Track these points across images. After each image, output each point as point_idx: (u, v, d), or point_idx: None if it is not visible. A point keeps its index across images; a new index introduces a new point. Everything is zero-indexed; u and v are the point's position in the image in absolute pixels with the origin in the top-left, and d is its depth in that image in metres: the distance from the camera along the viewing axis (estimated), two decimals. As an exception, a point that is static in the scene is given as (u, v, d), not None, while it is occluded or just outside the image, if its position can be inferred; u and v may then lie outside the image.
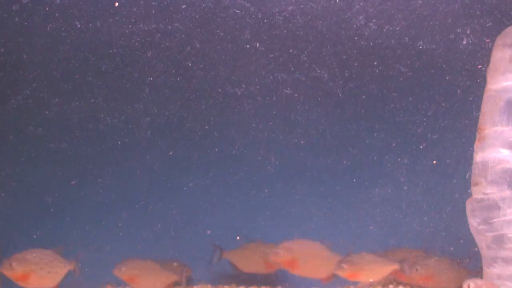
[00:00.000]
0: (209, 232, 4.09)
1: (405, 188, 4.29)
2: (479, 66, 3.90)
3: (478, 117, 2.28)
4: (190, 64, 4.09)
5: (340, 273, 3.62)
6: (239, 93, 4.13)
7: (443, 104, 4.17)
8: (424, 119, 4.20)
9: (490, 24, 3.79)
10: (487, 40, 3.78)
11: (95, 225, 4.30)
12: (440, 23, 3.87)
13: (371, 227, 4.31)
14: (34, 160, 4.24)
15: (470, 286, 3.25)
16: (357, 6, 3.76)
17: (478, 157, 2.27)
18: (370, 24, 3.84)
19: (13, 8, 3.72)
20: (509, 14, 3.74)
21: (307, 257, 3.62)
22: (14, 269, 3.64)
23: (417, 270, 3.62)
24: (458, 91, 4.10)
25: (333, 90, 4.16)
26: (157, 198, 4.35)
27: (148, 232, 4.34)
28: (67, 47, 3.95)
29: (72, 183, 4.25)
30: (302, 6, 3.75)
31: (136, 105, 4.19)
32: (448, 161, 4.22)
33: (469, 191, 2.35)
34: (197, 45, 3.98)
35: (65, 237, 4.32)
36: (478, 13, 3.78)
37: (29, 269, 3.66)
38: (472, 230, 2.29)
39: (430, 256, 3.79)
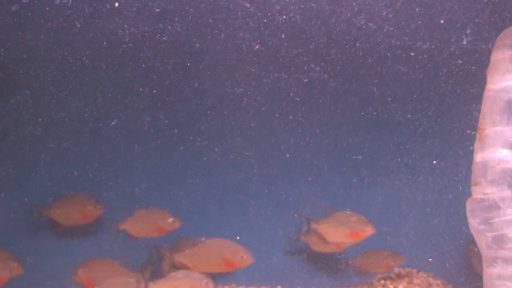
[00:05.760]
0: (203, 238, 4.09)
1: (405, 188, 4.29)
2: (479, 67, 3.90)
3: (478, 117, 2.28)
4: (190, 64, 4.09)
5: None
6: (239, 93, 4.13)
7: (443, 104, 4.17)
8: (424, 119, 4.20)
9: (490, 24, 3.79)
10: (487, 40, 3.78)
11: (95, 225, 4.30)
12: (440, 23, 3.87)
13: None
14: (34, 160, 4.24)
15: None
16: (357, 6, 3.77)
17: (478, 157, 2.26)
18: (370, 24, 3.84)
19: (13, 8, 3.73)
20: (509, 14, 3.74)
21: (104, 275, 3.72)
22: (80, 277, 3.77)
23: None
24: (458, 91, 4.10)
25: (333, 90, 4.16)
26: (156, 198, 4.35)
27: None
28: (67, 47, 3.95)
29: (74, 174, 4.25)
30: (302, 6, 3.76)
31: (136, 105, 4.20)
32: (448, 161, 4.22)
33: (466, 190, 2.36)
34: (197, 45, 3.98)
35: (65, 237, 4.32)
36: (478, 13, 3.78)
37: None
38: (472, 230, 2.29)
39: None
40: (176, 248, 3.85)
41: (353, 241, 3.86)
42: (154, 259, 3.95)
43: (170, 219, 3.92)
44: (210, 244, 3.83)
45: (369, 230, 3.81)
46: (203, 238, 3.89)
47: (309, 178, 4.36)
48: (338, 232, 3.84)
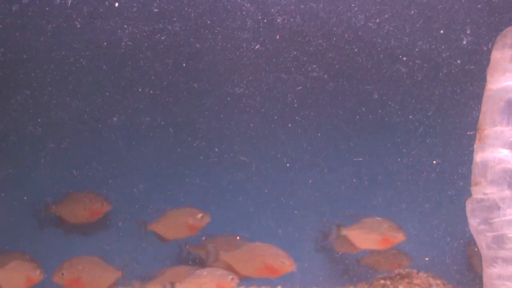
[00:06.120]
0: (204, 238, 4.09)
1: (405, 188, 4.29)
2: (479, 67, 3.90)
3: (478, 117, 2.28)
4: (189, 64, 4.09)
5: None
6: (239, 93, 4.13)
7: (443, 104, 4.17)
8: (424, 119, 4.20)
9: (490, 24, 3.79)
10: (487, 40, 3.78)
11: (95, 225, 4.30)
12: (440, 23, 3.87)
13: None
14: (34, 160, 4.24)
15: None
16: (356, 6, 3.76)
17: (478, 157, 2.26)
18: (370, 24, 3.84)
19: (13, 8, 3.72)
20: (509, 14, 3.74)
21: (89, 273, 3.71)
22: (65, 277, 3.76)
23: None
24: (458, 91, 4.10)
25: (333, 90, 4.16)
26: (156, 198, 4.35)
27: (148, 232, 4.34)
28: (67, 47, 3.95)
29: (74, 174, 4.26)
30: (302, 6, 3.75)
31: (136, 105, 4.20)
32: (448, 161, 4.21)
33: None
34: (197, 45, 3.98)
35: (65, 237, 4.32)
36: (478, 13, 3.78)
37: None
38: (472, 230, 2.29)
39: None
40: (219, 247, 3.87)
41: (383, 247, 3.82)
42: (183, 257, 3.95)
43: (199, 215, 3.91)
44: (254, 248, 3.82)
45: (400, 237, 3.75)
46: (242, 240, 3.94)
47: (309, 180, 4.36)
48: (370, 239, 3.79)
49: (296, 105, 4.20)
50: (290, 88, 4.13)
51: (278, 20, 3.80)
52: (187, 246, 4.01)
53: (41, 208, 4.13)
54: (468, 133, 3.75)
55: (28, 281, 3.67)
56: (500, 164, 2.18)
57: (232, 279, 3.49)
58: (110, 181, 4.29)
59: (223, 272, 3.53)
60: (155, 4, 3.77)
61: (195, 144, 4.30)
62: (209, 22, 3.85)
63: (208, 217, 3.91)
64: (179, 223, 3.96)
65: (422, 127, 4.20)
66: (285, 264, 3.73)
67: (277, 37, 3.86)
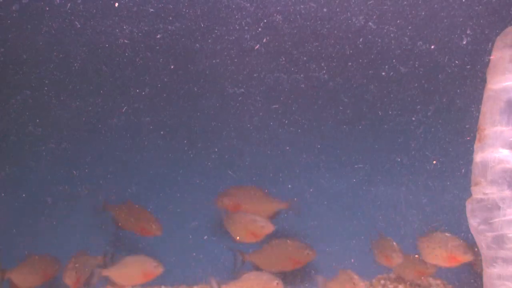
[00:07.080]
0: (205, 237, 4.09)
1: (405, 188, 4.29)
2: (479, 66, 3.90)
3: (478, 117, 2.28)
4: (190, 64, 4.09)
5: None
6: (238, 93, 4.13)
7: (443, 104, 4.17)
8: (424, 119, 4.20)
9: (490, 24, 3.79)
10: (487, 40, 3.78)
11: (95, 225, 4.31)
12: (440, 23, 3.87)
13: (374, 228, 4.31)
14: (34, 160, 4.24)
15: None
16: (356, 7, 3.77)
17: (478, 157, 2.26)
18: (370, 24, 3.84)
19: (13, 8, 3.73)
20: (509, 14, 3.75)
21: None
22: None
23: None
24: (458, 91, 4.10)
25: (333, 90, 4.17)
26: (156, 198, 4.35)
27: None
28: (67, 47, 3.95)
29: (74, 173, 4.26)
30: (302, 6, 3.76)
31: (136, 105, 4.20)
32: (448, 161, 4.22)
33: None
34: (197, 45, 3.98)
35: (65, 237, 4.32)
36: (478, 13, 3.78)
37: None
38: (472, 230, 2.29)
39: None
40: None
41: (448, 265, 3.79)
42: (238, 265, 3.95)
43: (261, 225, 3.87)
44: (277, 244, 3.92)
45: (467, 257, 3.68)
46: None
47: (309, 177, 4.37)
48: (436, 255, 3.75)
49: (296, 105, 4.21)
50: (290, 87, 4.13)
51: (278, 20, 3.81)
52: (243, 254, 4.02)
53: (101, 201, 4.14)
54: (468, 133, 3.75)
55: (144, 276, 3.62)
56: (500, 164, 2.18)
57: (277, 283, 3.55)
58: (109, 176, 4.30)
59: (269, 277, 3.59)
60: (154, 4, 3.77)
61: (195, 144, 4.30)
62: (209, 22, 3.85)
63: (272, 226, 3.87)
64: (245, 228, 3.94)
65: (422, 127, 4.20)
66: (309, 254, 3.87)
67: (279, 36, 3.87)
